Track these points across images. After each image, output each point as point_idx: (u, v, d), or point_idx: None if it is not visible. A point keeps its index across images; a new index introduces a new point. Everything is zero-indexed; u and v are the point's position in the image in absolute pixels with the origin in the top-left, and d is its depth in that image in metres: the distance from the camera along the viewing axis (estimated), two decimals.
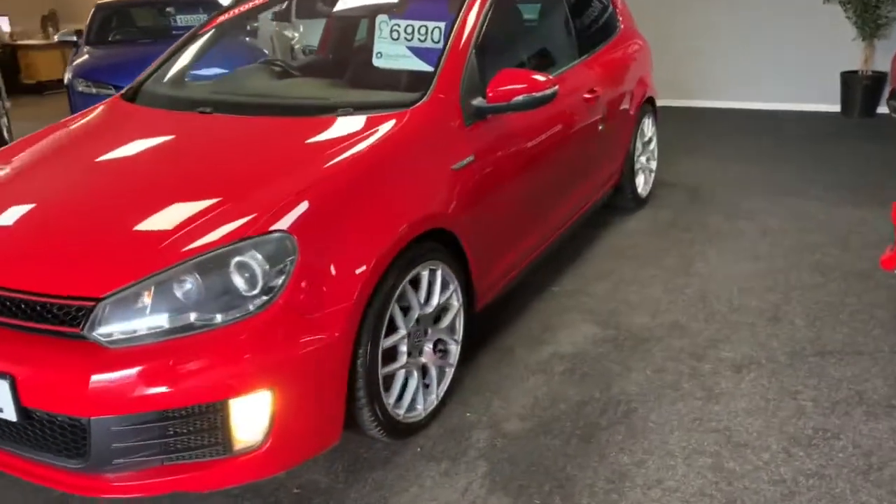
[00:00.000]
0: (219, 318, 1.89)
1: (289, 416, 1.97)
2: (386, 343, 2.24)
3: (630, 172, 4.34)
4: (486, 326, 3.13)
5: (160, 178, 2.30)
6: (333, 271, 2.03)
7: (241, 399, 1.90)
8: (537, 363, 2.87)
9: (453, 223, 2.49)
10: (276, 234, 1.97)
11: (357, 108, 2.58)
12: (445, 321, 2.54)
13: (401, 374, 2.34)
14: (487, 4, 2.96)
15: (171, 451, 1.91)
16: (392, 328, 2.28)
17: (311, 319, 1.97)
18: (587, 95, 3.54)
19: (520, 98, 2.68)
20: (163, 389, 1.83)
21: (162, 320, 1.87)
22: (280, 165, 2.24)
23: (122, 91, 3.14)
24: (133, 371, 1.83)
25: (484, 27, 2.90)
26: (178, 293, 1.88)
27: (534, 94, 2.68)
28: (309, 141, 2.41)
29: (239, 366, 1.87)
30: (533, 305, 3.36)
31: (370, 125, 2.46)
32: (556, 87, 2.76)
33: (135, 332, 1.86)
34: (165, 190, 2.20)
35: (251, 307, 1.91)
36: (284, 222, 1.99)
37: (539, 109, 2.85)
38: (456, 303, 2.58)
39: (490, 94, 2.68)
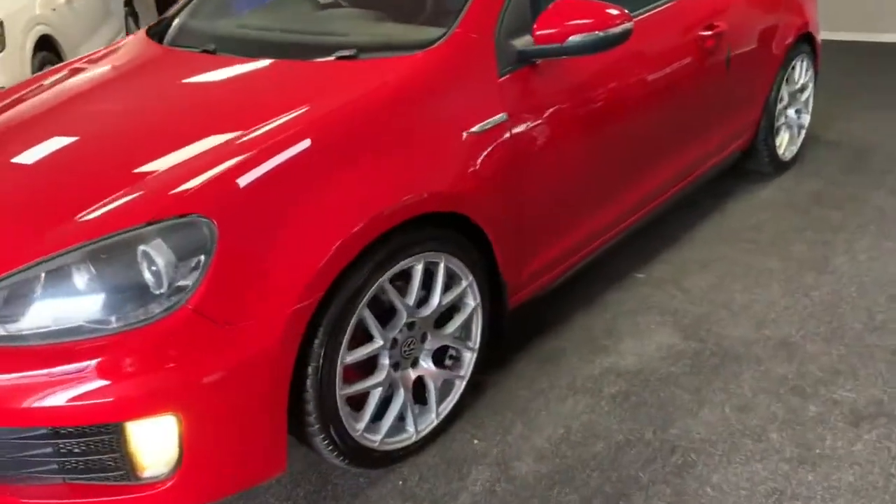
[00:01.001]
0: (113, 322, 1.50)
1: (204, 445, 1.58)
2: (353, 356, 1.77)
3: (769, 129, 3.46)
4: (531, 323, 2.56)
5: (100, 136, 1.92)
6: (267, 269, 1.57)
7: (139, 423, 1.53)
8: (585, 379, 2.28)
9: (470, 204, 1.93)
10: (189, 218, 1.53)
11: (362, 50, 2.05)
12: (454, 325, 2.02)
13: (377, 393, 1.87)
14: None
15: (70, 471, 1.59)
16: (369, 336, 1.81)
17: (231, 330, 1.53)
18: (704, 33, 2.74)
19: (576, 38, 2.01)
20: (44, 403, 1.49)
21: (47, 319, 1.52)
22: (226, 125, 1.79)
23: (150, 25, 2.80)
24: (10, 377, 1.50)
25: None
26: (68, 287, 1.52)
27: (597, 32, 2.01)
28: (278, 94, 1.93)
29: (133, 385, 1.49)
30: (602, 297, 2.73)
31: (365, 72, 1.93)
32: (630, 23, 2.06)
33: (19, 330, 1.53)
34: (97, 152, 1.83)
35: (153, 312, 1.50)
36: (202, 202, 1.55)
37: (622, 52, 2.19)
38: (471, 302, 2.05)
39: (538, 33, 2.04)
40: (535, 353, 2.43)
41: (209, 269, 1.52)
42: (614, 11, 2.05)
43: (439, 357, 2.06)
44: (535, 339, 2.50)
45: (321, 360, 1.68)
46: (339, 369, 1.72)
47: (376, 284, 1.75)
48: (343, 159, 1.71)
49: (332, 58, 2.03)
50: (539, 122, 2.11)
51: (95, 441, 1.54)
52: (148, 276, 1.51)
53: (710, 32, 2.76)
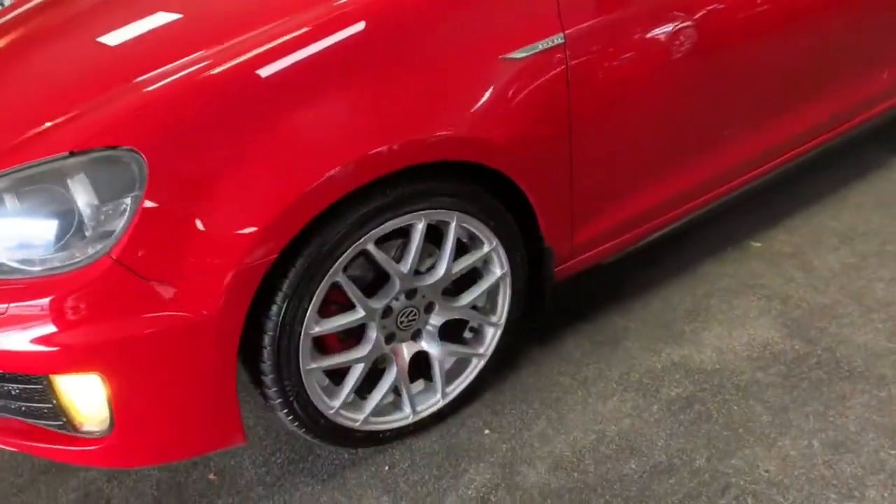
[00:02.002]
0: (36, 265, 1.31)
1: (137, 409, 1.39)
2: (323, 327, 1.49)
3: None
4: (598, 291, 2.14)
5: (78, 49, 1.70)
6: (210, 218, 1.30)
7: (64, 378, 1.37)
8: (644, 372, 1.86)
9: (501, 154, 1.53)
10: (114, 152, 1.28)
11: None
12: (470, 296, 1.67)
13: (358, 369, 1.59)
14: None
15: (13, 411, 1.47)
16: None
17: (162, 287, 1.30)
18: None
19: None
20: None
21: None
22: (179, 36, 1.49)
23: None
24: None
25: None
26: None
27: None
28: None
29: (49, 337, 1.30)
30: (698, 267, 2.23)
31: None
32: None
33: None
34: (68, 67, 1.61)
35: (75, 258, 1.30)
36: (130, 133, 1.28)
37: None
38: (497, 270, 1.68)
39: None
40: (592, 330, 2.02)
41: (135, 215, 1.27)
42: None
43: (457, 330, 1.74)
44: (598, 312, 2.08)
45: (278, 330, 1.41)
46: (302, 340, 1.45)
47: (356, 245, 1.43)
48: (318, 84, 1.37)
49: None
50: (613, 48, 1.63)
51: (28, 388, 1.40)
52: (73, 216, 1.30)
53: None
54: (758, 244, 2.32)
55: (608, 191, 1.80)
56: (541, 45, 1.53)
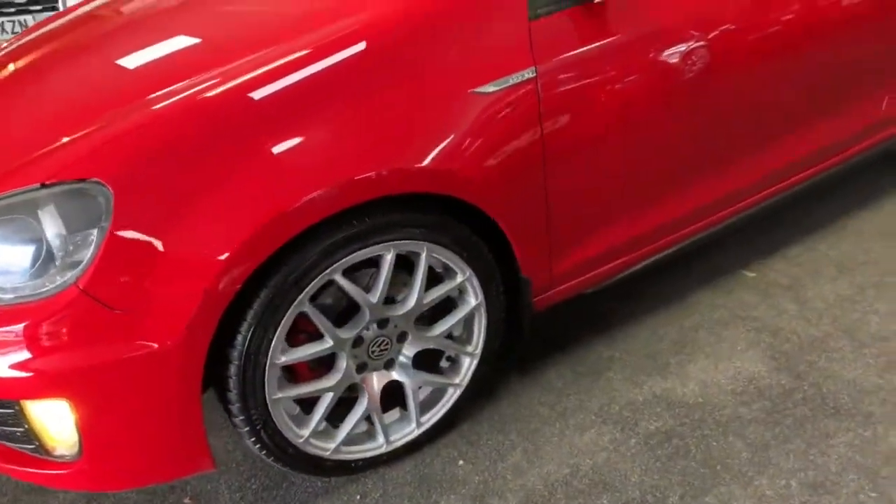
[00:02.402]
0: (8, 292, 1.35)
1: (104, 435, 1.41)
2: (291, 357, 1.50)
3: None
4: (586, 318, 2.12)
5: (67, 81, 1.74)
6: (175, 249, 1.32)
7: (35, 403, 1.40)
8: (624, 405, 1.84)
9: (474, 186, 1.53)
10: (82, 185, 1.31)
11: None
12: (444, 325, 1.67)
13: (328, 398, 1.59)
14: None
15: None
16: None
17: (127, 317, 1.32)
18: None
19: None
20: None
21: None
22: (156, 74, 1.52)
23: None
24: None
25: None
26: None
27: None
28: (231, 26, 1.63)
29: (18, 364, 1.33)
30: (690, 297, 2.20)
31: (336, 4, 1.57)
32: None
33: None
34: (57, 98, 1.66)
35: (45, 287, 1.33)
36: (98, 166, 1.31)
37: None
38: (472, 300, 1.68)
39: None
40: (575, 360, 2.01)
41: (102, 246, 1.30)
42: None
43: (434, 359, 1.74)
44: (583, 341, 2.07)
45: (243, 359, 1.43)
46: (267, 370, 1.46)
47: (323, 275, 1.45)
48: (285, 116, 1.39)
49: None
50: (588, 80, 1.63)
51: (1, 412, 1.44)
52: (43, 246, 1.33)
53: None
54: (752, 274, 2.28)
55: (588, 221, 1.79)
56: (512, 79, 1.54)
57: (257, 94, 1.39)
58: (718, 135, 1.94)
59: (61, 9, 4.48)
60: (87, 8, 2.33)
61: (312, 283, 1.44)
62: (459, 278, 1.63)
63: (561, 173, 1.66)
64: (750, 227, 2.34)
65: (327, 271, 1.45)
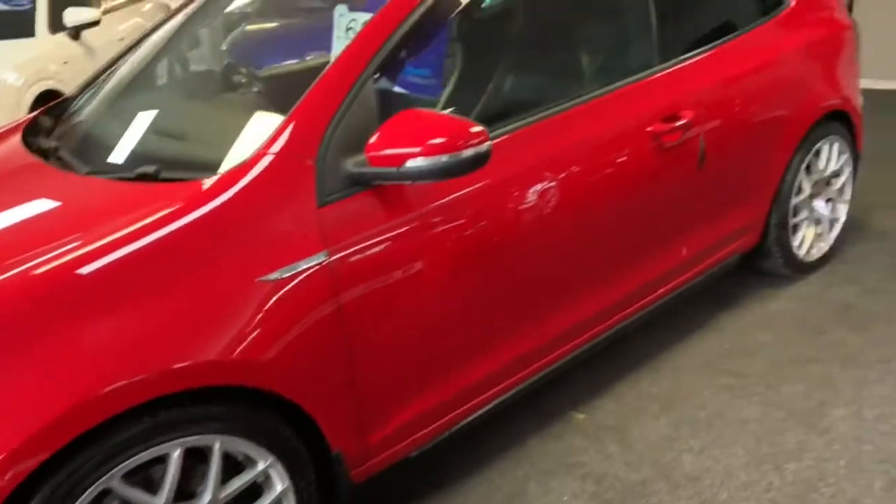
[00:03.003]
0: None
1: None
2: None
3: (781, 226, 2.83)
4: (421, 477, 2.11)
5: None
6: None
7: None
8: None
9: (268, 373, 1.53)
10: None
11: (170, 166, 1.69)
12: None
13: None
14: None
15: None
16: None
17: None
18: (660, 126, 2.21)
19: (417, 163, 1.58)
20: None
21: None
22: None
23: None
24: None
25: (424, 21, 1.83)
26: None
27: (441, 157, 1.57)
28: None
29: None
30: (520, 446, 2.22)
31: (128, 205, 1.58)
32: (487, 144, 1.61)
33: None
34: None
35: None
36: None
37: (528, 158, 1.87)
38: (279, 484, 1.62)
39: (370, 154, 1.62)
40: None
41: None
42: (474, 129, 1.61)
43: None
44: (418, 498, 2.04)
45: None
46: None
47: (98, 483, 1.37)
48: (61, 314, 1.36)
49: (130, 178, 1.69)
50: (383, 259, 1.68)
51: None
52: None
53: (670, 125, 2.23)
54: (581, 416, 2.35)
55: (398, 390, 1.81)
56: (302, 265, 1.57)
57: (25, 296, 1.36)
58: (521, 291, 2.03)
59: None
60: None
61: (87, 493, 1.36)
62: (261, 465, 1.59)
63: (363, 349, 1.68)
64: (578, 368, 2.42)
65: (103, 478, 1.37)
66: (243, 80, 2.42)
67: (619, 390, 2.46)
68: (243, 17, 2.94)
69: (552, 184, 2.00)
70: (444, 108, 2.16)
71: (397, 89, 1.93)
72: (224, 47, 2.69)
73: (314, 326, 1.59)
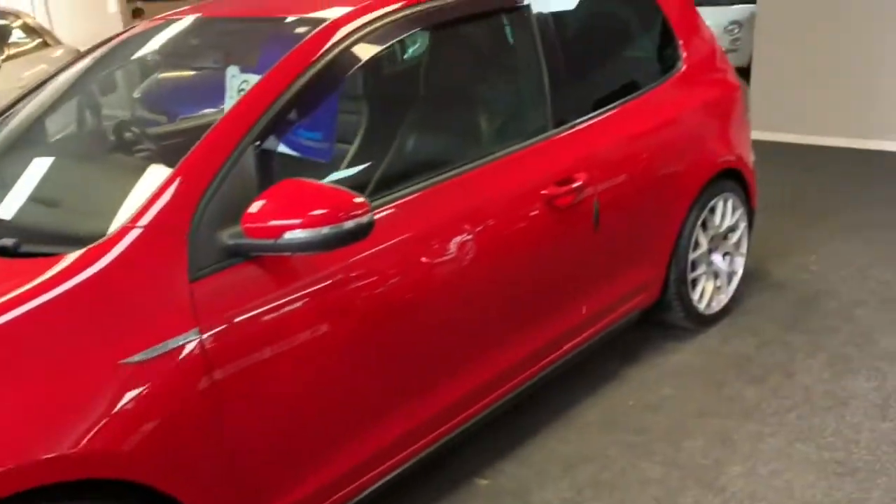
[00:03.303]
0: None
1: None
2: None
3: (680, 281, 2.90)
4: None
5: None
6: None
7: None
8: None
9: (134, 464, 1.43)
10: None
11: (33, 239, 1.60)
12: None
13: None
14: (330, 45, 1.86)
15: None
16: None
17: None
18: (554, 190, 2.23)
19: (296, 235, 1.53)
20: None
21: None
22: None
23: None
24: None
25: (314, 84, 1.81)
26: None
27: (320, 229, 1.53)
28: None
29: None
30: None
31: None
32: (369, 216, 1.58)
33: None
34: None
35: None
36: None
37: (416, 227, 1.84)
38: None
39: (245, 225, 1.56)
40: None
41: None
42: (357, 199, 1.57)
43: None
44: None
45: None
46: None
47: None
48: None
49: None
50: (262, 332, 1.62)
51: None
52: None
53: (564, 188, 2.25)
54: (485, 481, 2.30)
55: (283, 470, 1.72)
56: (171, 344, 1.48)
57: None
58: (415, 359, 1.98)
59: None
60: None
61: None
62: None
63: (241, 431, 1.60)
64: (485, 429, 2.38)
65: None
66: (132, 139, 2.33)
67: (524, 452, 2.42)
68: (143, 69, 2.86)
69: (449, 248, 1.99)
70: (350, 164, 2.14)
71: (287, 152, 1.89)
72: (111, 107, 2.59)
73: (184, 408, 1.50)
